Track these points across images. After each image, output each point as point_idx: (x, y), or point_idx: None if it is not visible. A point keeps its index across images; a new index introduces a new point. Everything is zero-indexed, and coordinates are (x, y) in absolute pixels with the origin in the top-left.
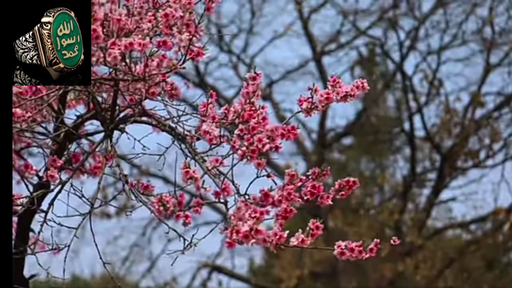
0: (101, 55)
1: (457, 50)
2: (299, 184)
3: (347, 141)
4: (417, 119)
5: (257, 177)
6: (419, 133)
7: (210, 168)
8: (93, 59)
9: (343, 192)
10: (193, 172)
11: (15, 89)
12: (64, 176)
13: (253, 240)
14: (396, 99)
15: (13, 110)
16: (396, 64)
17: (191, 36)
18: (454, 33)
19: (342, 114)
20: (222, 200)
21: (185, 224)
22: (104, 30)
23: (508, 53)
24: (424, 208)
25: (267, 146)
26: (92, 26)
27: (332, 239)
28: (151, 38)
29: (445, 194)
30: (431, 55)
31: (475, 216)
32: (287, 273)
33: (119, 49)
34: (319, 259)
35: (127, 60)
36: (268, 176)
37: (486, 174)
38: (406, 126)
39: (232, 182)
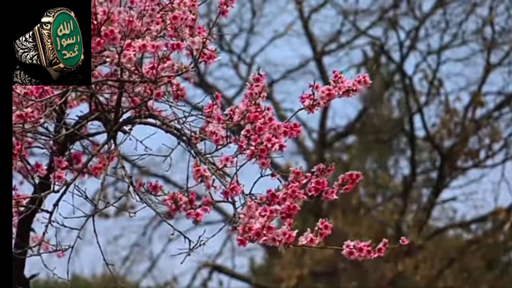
0: (116, 56)
1: (457, 50)
2: (304, 181)
3: (349, 140)
4: (417, 119)
5: (261, 176)
6: (419, 133)
7: (220, 167)
8: (108, 59)
9: (347, 186)
10: (204, 170)
11: (21, 89)
12: (67, 177)
13: (264, 238)
14: (396, 99)
15: (24, 110)
16: (396, 64)
17: (205, 39)
18: (454, 33)
19: (342, 113)
20: (230, 200)
21: (196, 222)
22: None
23: (508, 52)
24: (425, 208)
25: (276, 145)
26: (110, 28)
27: (332, 239)
28: (155, 40)
29: (445, 194)
30: (431, 55)
31: (475, 216)
32: (288, 272)
33: (134, 50)
34: (320, 259)
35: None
36: (273, 175)
37: (486, 174)
38: (407, 126)
39: (237, 182)
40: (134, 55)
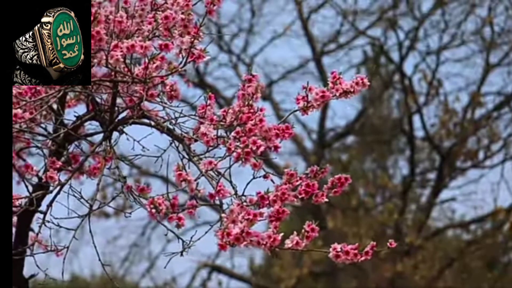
0: (104, 57)
1: (456, 50)
2: (298, 182)
3: (349, 141)
4: (416, 119)
5: (254, 178)
6: (419, 133)
7: (204, 170)
8: (95, 60)
9: (336, 189)
10: (186, 174)
11: (14, 90)
12: (63, 177)
13: (244, 242)
14: (395, 100)
15: (14, 111)
16: (396, 64)
17: (192, 39)
18: (454, 33)
19: (342, 114)
20: (217, 202)
21: (178, 226)
22: (105, 32)
23: (508, 53)
24: (424, 208)
25: (262, 148)
26: (96, 29)
27: (331, 239)
28: (150, 40)
29: (444, 194)
30: (431, 55)
31: (475, 216)
32: (287, 272)
33: (121, 51)
34: (319, 259)
35: (127, 62)
36: (265, 176)
37: (486, 174)
38: (406, 126)
39: (230, 182)
40: (124, 57)
